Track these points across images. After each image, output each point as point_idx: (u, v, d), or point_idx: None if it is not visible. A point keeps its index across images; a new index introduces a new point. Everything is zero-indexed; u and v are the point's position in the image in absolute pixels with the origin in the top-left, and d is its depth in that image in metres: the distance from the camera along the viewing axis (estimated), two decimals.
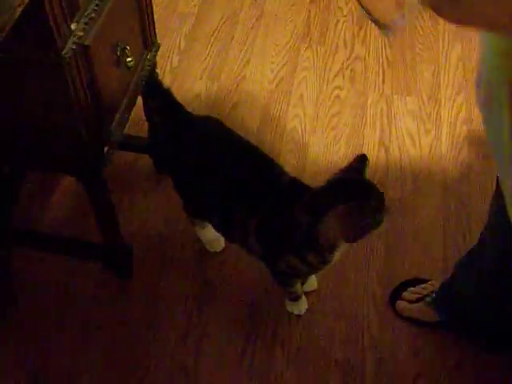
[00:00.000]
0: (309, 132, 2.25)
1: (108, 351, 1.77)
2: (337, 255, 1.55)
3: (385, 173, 2.14)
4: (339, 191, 1.47)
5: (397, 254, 1.95)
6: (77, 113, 1.37)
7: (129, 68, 1.53)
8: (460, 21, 0.81)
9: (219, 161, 1.62)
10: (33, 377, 1.72)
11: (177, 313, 1.84)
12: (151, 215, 2.04)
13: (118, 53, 1.49)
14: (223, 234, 1.77)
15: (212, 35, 2.57)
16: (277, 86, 2.40)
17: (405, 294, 1.82)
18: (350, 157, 2.13)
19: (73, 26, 1.28)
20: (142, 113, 1.94)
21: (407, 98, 2.37)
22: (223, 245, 1.94)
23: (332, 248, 1.52)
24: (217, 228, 1.74)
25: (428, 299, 1.77)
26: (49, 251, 1.89)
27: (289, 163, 2.12)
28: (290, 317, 1.83)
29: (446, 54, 2.52)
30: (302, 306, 1.82)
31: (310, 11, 2.67)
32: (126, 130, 1.67)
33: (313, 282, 1.86)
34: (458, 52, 2.53)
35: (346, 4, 2.70)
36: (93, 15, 1.33)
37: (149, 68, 1.72)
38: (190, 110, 1.86)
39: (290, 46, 2.54)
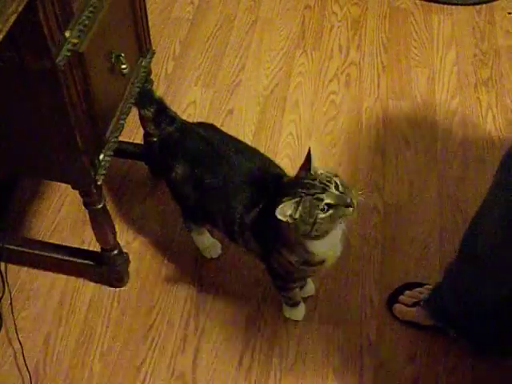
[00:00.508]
0: (304, 137, 2.25)
1: (105, 359, 1.76)
2: (322, 256, 1.55)
3: (380, 178, 2.14)
4: (284, 189, 1.46)
5: (393, 259, 1.95)
6: (71, 120, 1.37)
7: (123, 75, 1.52)
8: None
9: (218, 164, 1.62)
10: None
11: (174, 320, 1.83)
12: (147, 222, 2.03)
13: (113, 60, 1.49)
14: (226, 234, 1.75)
15: (207, 41, 2.57)
16: (272, 91, 2.40)
17: (402, 298, 1.83)
18: (346, 162, 2.17)
19: (67, 34, 1.28)
20: (137, 119, 1.94)
21: (402, 102, 2.37)
22: (220, 251, 1.94)
23: (303, 246, 1.50)
24: (220, 230, 1.73)
25: (423, 303, 1.78)
26: (44, 259, 1.88)
27: (285, 168, 2.10)
28: (287, 323, 1.82)
29: (441, 59, 2.52)
30: (299, 312, 1.82)
31: (304, 16, 2.67)
32: (121, 137, 1.66)
33: (310, 287, 1.85)
34: (453, 57, 2.53)
35: (341, 9, 2.71)
36: (87, 22, 1.33)
37: (144, 75, 1.72)
38: (184, 116, 1.87)
39: (285, 52, 2.54)
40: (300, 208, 1.40)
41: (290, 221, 1.40)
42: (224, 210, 1.62)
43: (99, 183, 1.55)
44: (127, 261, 1.87)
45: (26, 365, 1.73)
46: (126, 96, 1.64)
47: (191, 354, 1.77)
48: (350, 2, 2.73)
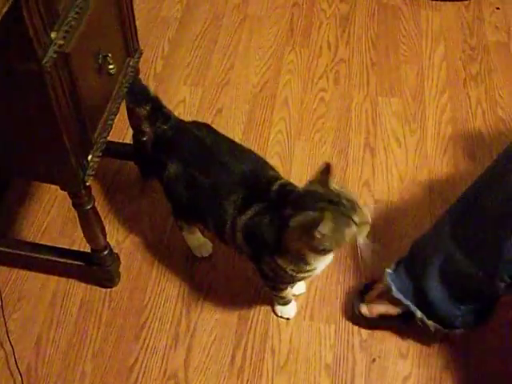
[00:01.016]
0: (294, 135, 2.25)
1: (97, 360, 1.76)
2: (318, 266, 1.56)
3: (370, 174, 2.14)
4: (303, 202, 1.45)
5: (384, 255, 1.94)
6: (59, 121, 1.36)
7: (111, 75, 1.52)
8: None
9: (210, 164, 1.62)
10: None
11: (165, 319, 1.83)
12: (137, 222, 2.03)
13: (100, 60, 1.48)
14: (216, 235, 1.74)
15: (195, 40, 2.57)
16: (261, 89, 2.40)
17: (366, 297, 1.81)
18: (335, 159, 2.17)
19: (53, 35, 1.27)
20: (126, 119, 1.94)
21: (392, 99, 2.37)
22: (210, 250, 1.94)
23: (303, 258, 1.50)
24: (210, 230, 1.73)
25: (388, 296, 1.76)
26: (35, 260, 1.87)
27: (275, 166, 2.10)
28: (279, 321, 1.82)
29: (430, 55, 2.53)
30: (291, 310, 1.82)
31: (293, 14, 2.67)
32: (110, 137, 1.66)
33: (301, 285, 1.85)
34: (442, 52, 2.54)
35: (329, 6, 2.71)
36: (73, 23, 1.32)
37: (132, 74, 1.71)
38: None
39: (274, 50, 2.54)
40: (333, 225, 1.37)
41: (318, 236, 1.37)
42: (215, 210, 1.62)
43: (88, 184, 1.54)
44: (118, 261, 1.87)
45: (17, 367, 1.73)
46: (114, 96, 1.63)
47: (183, 353, 1.77)
48: None
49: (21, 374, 1.72)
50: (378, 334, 1.80)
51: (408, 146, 2.23)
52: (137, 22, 1.72)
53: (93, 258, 1.80)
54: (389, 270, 1.74)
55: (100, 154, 1.58)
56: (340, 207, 1.40)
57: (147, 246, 1.98)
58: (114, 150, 2.06)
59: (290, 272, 1.55)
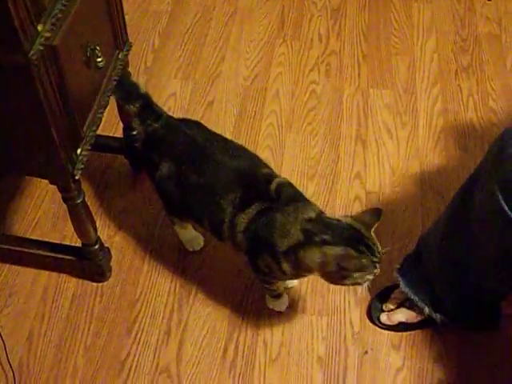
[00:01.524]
0: (285, 127, 2.25)
1: (89, 354, 1.76)
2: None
3: (362, 166, 2.14)
4: (341, 234, 1.47)
5: None
6: (47, 115, 1.35)
7: (99, 68, 1.51)
8: None
9: (203, 163, 1.61)
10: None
11: (157, 313, 1.83)
12: (128, 216, 2.02)
13: (88, 53, 1.47)
14: (212, 234, 1.73)
15: (186, 33, 2.56)
16: (252, 82, 2.39)
17: (385, 306, 1.81)
18: (327, 151, 2.16)
19: (39, 28, 1.26)
20: (117, 113, 1.93)
21: (383, 91, 2.37)
22: (202, 244, 1.93)
23: (308, 271, 1.53)
24: (205, 228, 1.72)
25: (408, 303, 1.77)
26: (26, 255, 1.87)
27: (266, 159, 2.09)
28: (271, 314, 1.82)
29: (421, 46, 2.52)
30: (283, 303, 1.82)
31: (283, 7, 2.66)
32: (100, 131, 1.65)
33: None
34: (433, 44, 2.53)
35: None
36: (60, 16, 1.31)
37: (121, 68, 1.70)
38: (165, 108, 1.85)
39: (265, 42, 2.53)
40: (364, 272, 1.45)
41: (345, 274, 1.44)
42: (211, 209, 1.61)
43: (77, 178, 1.53)
44: (109, 255, 1.86)
45: (9, 362, 1.72)
46: (102, 89, 1.62)
47: (175, 347, 1.77)
48: None
49: (12, 370, 1.71)
50: (370, 326, 1.80)
51: (399, 137, 2.23)
52: (127, 16, 1.71)
53: (84, 253, 1.80)
54: (397, 266, 1.76)
55: (89, 148, 1.57)
56: (373, 257, 1.45)
57: (138, 240, 1.97)
58: (104, 144, 2.06)
59: (290, 275, 1.57)
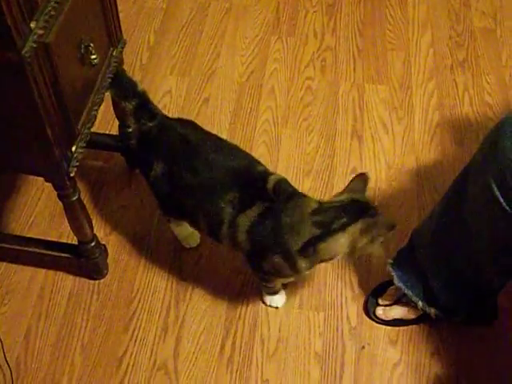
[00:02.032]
0: (281, 123, 2.25)
1: (86, 351, 1.76)
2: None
3: (358, 162, 2.14)
4: (351, 211, 1.49)
5: None
6: (41, 112, 1.35)
7: (94, 65, 1.51)
8: None
9: (198, 163, 1.60)
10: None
11: (154, 310, 1.83)
12: (125, 213, 2.02)
13: (82, 50, 1.47)
14: (209, 234, 1.73)
15: (181, 30, 2.55)
16: (248, 78, 2.39)
17: (380, 301, 1.82)
18: (323, 147, 2.17)
19: (32, 25, 1.26)
20: (112, 110, 1.93)
21: (379, 86, 2.37)
22: (198, 240, 1.93)
23: (329, 259, 1.55)
24: (201, 228, 1.72)
25: (404, 299, 1.77)
26: (22, 253, 1.87)
27: (262, 155, 2.11)
28: (268, 310, 1.82)
29: (417, 41, 2.52)
30: (280, 299, 1.82)
31: (279, 3, 2.66)
32: (95, 129, 1.65)
33: None
34: (429, 39, 2.53)
35: None
36: (53, 13, 1.30)
37: (115, 65, 1.70)
38: (161, 106, 1.85)
39: (260, 39, 2.53)
40: (379, 223, 1.51)
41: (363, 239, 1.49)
42: (208, 210, 1.60)
43: (72, 175, 1.53)
44: (105, 252, 1.86)
45: (6, 360, 1.72)
46: (97, 87, 1.61)
47: (172, 344, 1.77)
48: None
49: (10, 368, 1.71)
50: (367, 321, 1.81)
51: (395, 132, 2.23)
52: (122, 13, 1.72)
53: (80, 250, 1.80)
54: (390, 260, 1.76)
55: (84, 145, 1.56)
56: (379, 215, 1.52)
57: (135, 237, 1.97)
58: (100, 142, 2.05)
59: (303, 271, 1.57)
